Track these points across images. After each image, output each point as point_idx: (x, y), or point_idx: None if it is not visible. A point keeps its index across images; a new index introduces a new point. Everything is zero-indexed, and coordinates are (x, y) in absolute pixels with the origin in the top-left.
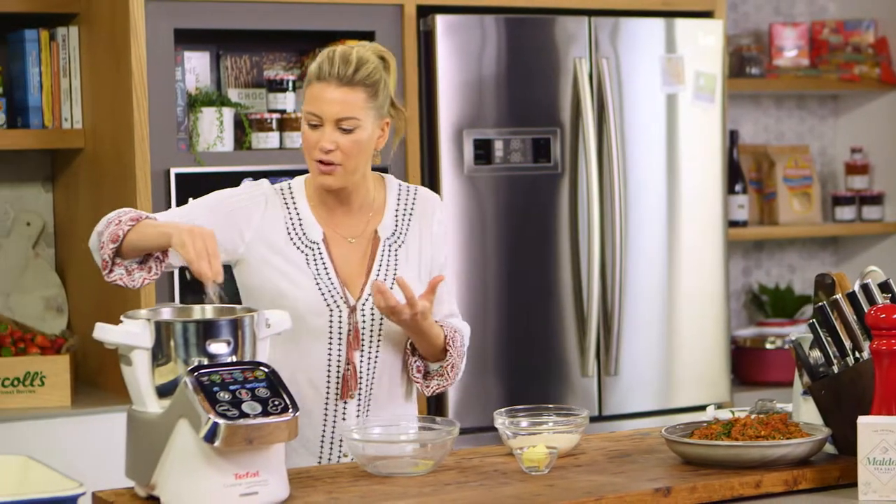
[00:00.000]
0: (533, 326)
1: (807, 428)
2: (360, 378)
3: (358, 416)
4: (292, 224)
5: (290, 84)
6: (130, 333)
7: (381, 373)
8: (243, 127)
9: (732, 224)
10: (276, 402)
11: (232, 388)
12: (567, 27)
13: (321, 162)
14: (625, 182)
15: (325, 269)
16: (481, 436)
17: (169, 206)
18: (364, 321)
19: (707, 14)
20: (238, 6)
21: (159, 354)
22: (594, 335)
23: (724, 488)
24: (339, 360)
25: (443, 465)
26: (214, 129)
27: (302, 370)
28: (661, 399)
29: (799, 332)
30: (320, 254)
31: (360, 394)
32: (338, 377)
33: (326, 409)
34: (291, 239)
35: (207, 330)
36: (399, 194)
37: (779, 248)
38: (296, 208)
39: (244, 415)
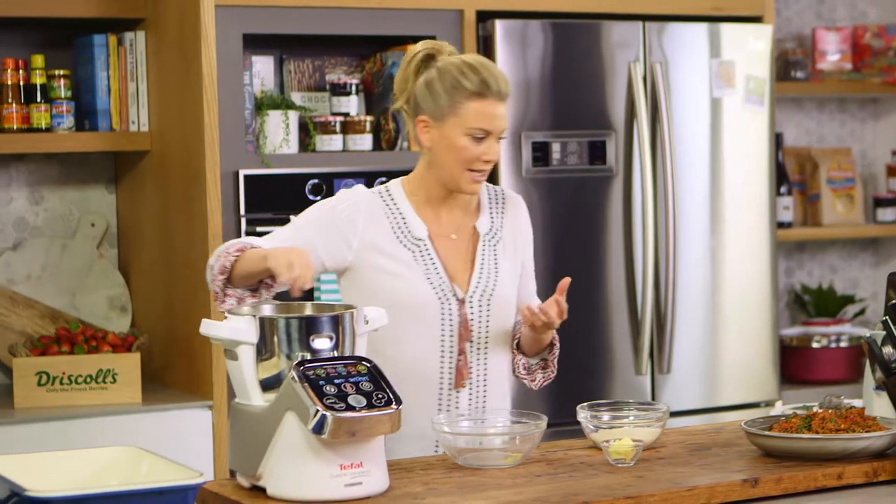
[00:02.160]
0: (586, 325)
1: (883, 422)
2: (471, 368)
3: (469, 406)
4: (396, 223)
5: (353, 87)
6: (237, 329)
7: (490, 364)
8: (307, 130)
9: (778, 225)
10: (380, 396)
11: (337, 381)
12: (621, 32)
13: (476, 171)
14: (676, 184)
15: (433, 264)
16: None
17: (237, 207)
18: (472, 313)
19: (756, 19)
20: (303, 11)
21: (263, 349)
22: (648, 334)
23: (809, 479)
24: (451, 352)
25: (529, 457)
26: (280, 132)
27: (416, 362)
28: (709, 397)
29: (845, 330)
30: (427, 249)
31: (471, 384)
32: (450, 368)
33: (440, 399)
34: (397, 237)
35: (310, 326)
36: (489, 194)
37: (820, 249)
38: (398, 208)
39: (350, 407)
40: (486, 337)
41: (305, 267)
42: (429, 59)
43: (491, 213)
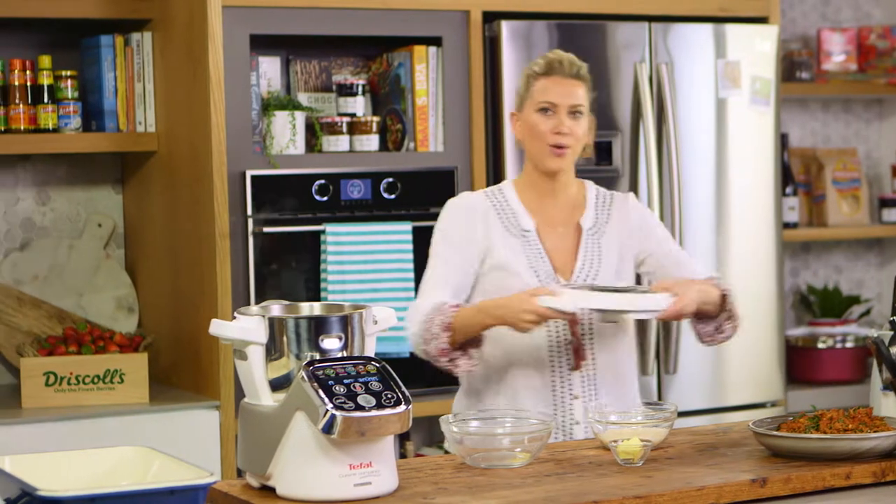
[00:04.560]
0: None
1: (891, 422)
2: (584, 349)
3: (583, 391)
4: (505, 215)
5: (360, 88)
6: (246, 329)
7: (600, 349)
8: (314, 130)
9: (784, 226)
10: (389, 396)
11: (346, 381)
12: (627, 32)
13: (555, 146)
14: (681, 184)
15: (540, 254)
16: None
17: (244, 208)
18: None
19: (762, 20)
20: (310, 12)
21: (273, 349)
22: (654, 334)
23: (817, 479)
24: (558, 339)
25: (538, 457)
26: (287, 133)
27: (526, 351)
28: (715, 397)
29: (851, 331)
30: (534, 240)
31: (584, 368)
32: (559, 354)
33: (554, 384)
34: (507, 228)
35: (319, 326)
36: (597, 194)
37: (825, 249)
38: (507, 202)
39: (360, 407)
40: (591, 327)
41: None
42: None
43: (596, 209)
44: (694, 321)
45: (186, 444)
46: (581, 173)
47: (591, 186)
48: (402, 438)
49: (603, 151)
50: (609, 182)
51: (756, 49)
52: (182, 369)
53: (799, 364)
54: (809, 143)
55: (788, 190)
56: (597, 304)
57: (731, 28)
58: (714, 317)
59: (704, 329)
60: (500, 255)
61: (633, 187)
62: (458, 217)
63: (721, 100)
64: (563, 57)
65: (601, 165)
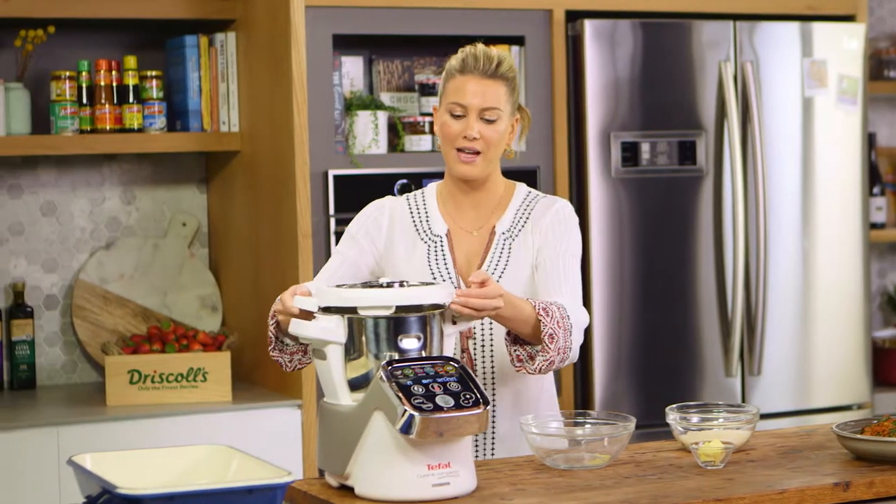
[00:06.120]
0: (676, 327)
1: None
2: (475, 366)
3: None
4: (420, 220)
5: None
6: (326, 329)
7: (497, 362)
8: (396, 130)
9: (871, 226)
10: (468, 396)
11: (424, 381)
12: (711, 31)
13: (463, 151)
14: (767, 184)
15: (444, 260)
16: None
17: (327, 207)
18: None
19: (849, 18)
20: (392, 12)
21: (352, 349)
22: (738, 335)
23: None
24: (454, 350)
25: (618, 459)
26: (369, 132)
27: None
28: (800, 399)
29: None
30: (443, 245)
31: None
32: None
33: None
34: (418, 233)
35: (398, 326)
36: (526, 198)
37: None
38: (424, 207)
39: (438, 408)
40: (492, 334)
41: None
42: None
43: (516, 213)
44: (508, 340)
45: (269, 443)
46: (666, 173)
47: (521, 190)
48: None
49: (687, 151)
50: (693, 182)
51: (843, 47)
52: (265, 368)
53: (885, 366)
54: None
55: (875, 190)
56: (335, 302)
57: (817, 26)
58: (530, 342)
59: (516, 352)
60: (396, 259)
61: (718, 188)
62: (365, 217)
63: (807, 99)
64: (479, 53)
65: (685, 165)
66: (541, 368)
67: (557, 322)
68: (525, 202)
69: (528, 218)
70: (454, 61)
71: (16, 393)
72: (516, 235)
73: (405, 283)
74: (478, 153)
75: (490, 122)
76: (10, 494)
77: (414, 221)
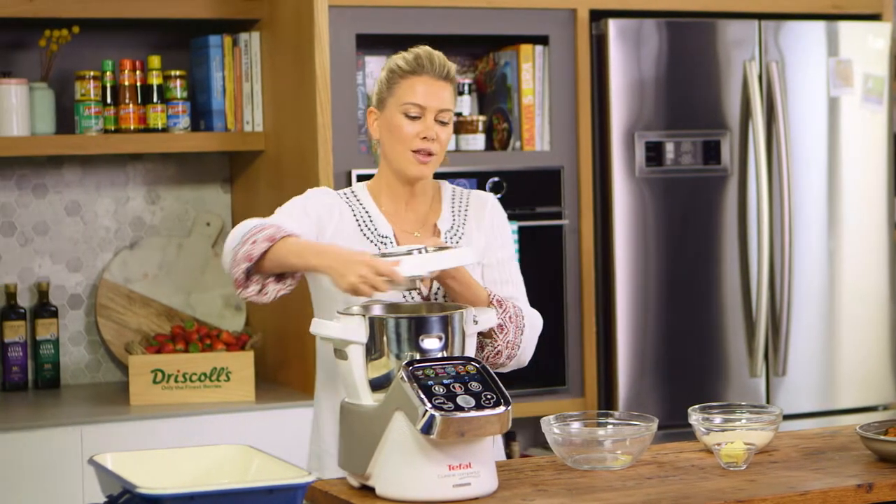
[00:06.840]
0: (700, 327)
1: None
2: None
3: None
4: (363, 221)
5: (466, 87)
6: (347, 329)
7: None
8: None
9: None
10: (489, 396)
11: (445, 381)
12: (736, 30)
13: (419, 152)
14: (792, 184)
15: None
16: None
17: None
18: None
19: (875, 17)
20: (416, 11)
21: (373, 349)
22: (763, 336)
23: None
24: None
25: (640, 459)
26: None
27: None
28: (826, 400)
29: None
30: (392, 246)
31: None
32: None
33: None
34: (364, 234)
35: (420, 326)
36: (453, 194)
37: None
38: (363, 207)
39: (459, 408)
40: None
41: (375, 280)
42: None
43: (453, 210)
44: (481, 336)
45: (291, 443)
46: (690, 173)
47: (446, 186)
48: (508, 439)
49: (711, 151)
50: (718, 182)
51: (869, 47)
52: (288, 368)
53: None
54: None
55: None
56: (427, 266)
57: (843, 25)
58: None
59: (485, 348)
60: None
61: (742, 187)
62: (316, 201)
63: (833, 99)
64: (433, 54)
65: (709, 165)
66: (488, 358)
67: (510, 317)
68: (454, 198)
69: (465, 214)
70: (402, 62)
71: (40, 392)
72: (462, 233)
73: (424, 249)
74: (433, 154)
75: (444, 123)
76: (34, 493)
77: (357, 221)
